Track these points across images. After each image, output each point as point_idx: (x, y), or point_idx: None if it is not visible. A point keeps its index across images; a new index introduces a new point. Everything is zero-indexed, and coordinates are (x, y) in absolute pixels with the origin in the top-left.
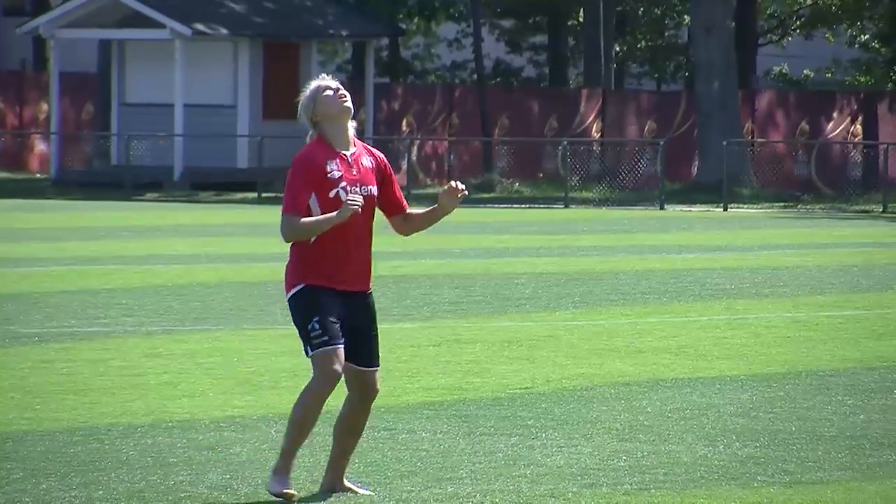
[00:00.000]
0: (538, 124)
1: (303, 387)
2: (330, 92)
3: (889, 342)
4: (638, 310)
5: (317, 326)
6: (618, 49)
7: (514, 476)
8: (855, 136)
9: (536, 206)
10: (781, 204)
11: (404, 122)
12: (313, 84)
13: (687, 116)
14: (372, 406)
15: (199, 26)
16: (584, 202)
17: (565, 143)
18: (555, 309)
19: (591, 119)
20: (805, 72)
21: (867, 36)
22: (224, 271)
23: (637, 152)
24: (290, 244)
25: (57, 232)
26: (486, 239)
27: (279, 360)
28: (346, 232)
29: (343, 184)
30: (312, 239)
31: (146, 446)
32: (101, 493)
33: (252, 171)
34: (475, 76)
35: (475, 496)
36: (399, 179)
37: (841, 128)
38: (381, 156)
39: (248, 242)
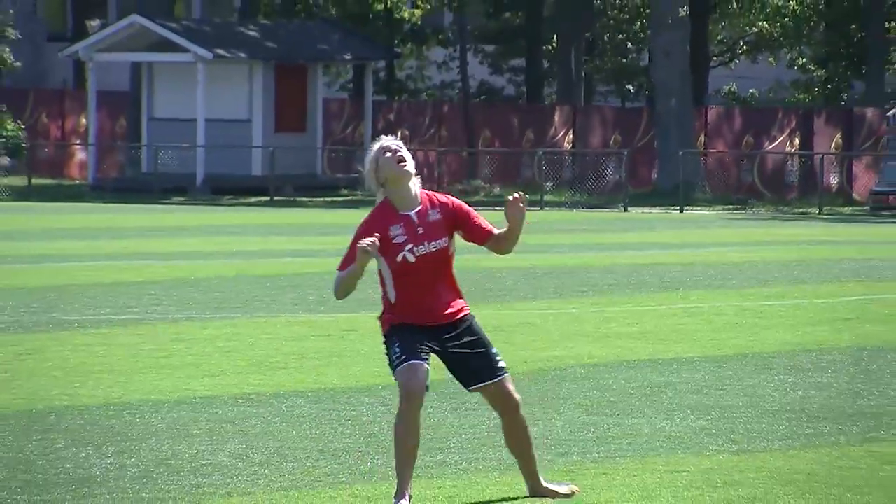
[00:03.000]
0: (517, 136)
1: (308, 367)
2: (389, 154)
3: (824, 328)
4: (604, 300)
5: (397, 350)
6: (587, 70)
7: (496, 446)
8: (794, 148)
9: None
10: (730, 207)
11: (399, 134)
12: (375, 146)
13: (647, 129)
14: (522, 413)
15: (219, 51)
16: (557, 205)
17: (540, 153)
18: (532, 299)
19: (563, 132)
20: (751, 91)
21: (805, 59)
22: (240, 266)
23: (604, 161)
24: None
25: (93, 231)
26: None
27: (289, 344)
28: (417, 284)
29: (409, 246)
30: (391, 299)
31: (172, 419)
32: (132, 460)
33: (265, 177)
34: (461, 94)
35: (461, 463)
36: None
37: (781, 140)
38: (450, 200)
39: (262, 241)
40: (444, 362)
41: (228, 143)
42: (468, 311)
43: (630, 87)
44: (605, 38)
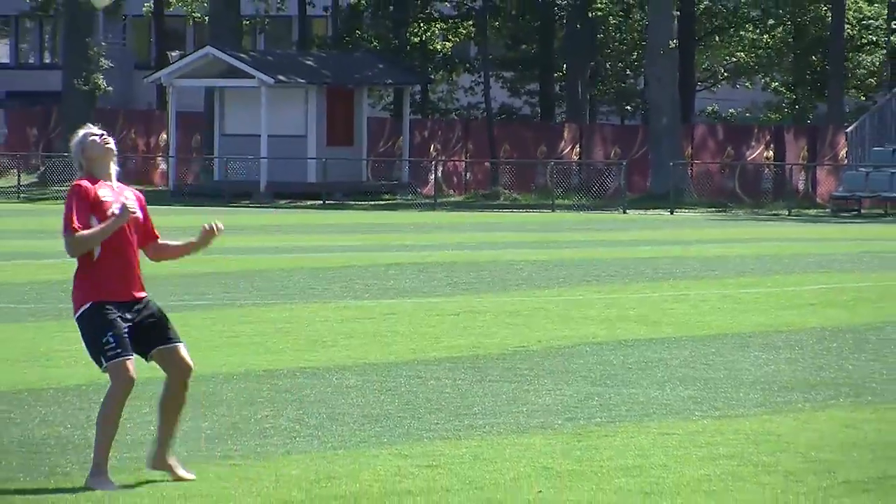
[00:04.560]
0: (532, 149)
1: (355, 345)
2: (95, 137)
3: (792, 312)
4: (606, 288)
5: (111, 340)
6: (591, 93)
7: (514, 412)
8: (768, 159)
9: (530, 211)
10: (714, 209)
11: (431, 148)
12: (81, 132)
13: (643, 143)
14: (189, 382)
15: (280, 77)
16: (566, 208)
17: (552, 163)
18: (545, 287)
19: (571, 146)
20: (730, 110)
21: (776, 84)
22: (297, 259)
23: (606, 170)
24: (77, 268)
25: (173, 230)
26: (494, 235)
27: (338, 325)
28: (122, 249)
29: (116, 204)
30: (95, 256)
31: (240, 389)
32: (206, 423)
33: (319, 184)
34: (485, 113)
35: (485, 427)
36: (427, 191)
37: (757, 152)
38: (139, 193)
39: (316, 237)
40: (134, 332)
41: (287, 155)
42: (145, 293)
43: (628, 108)
44: (607, 66)
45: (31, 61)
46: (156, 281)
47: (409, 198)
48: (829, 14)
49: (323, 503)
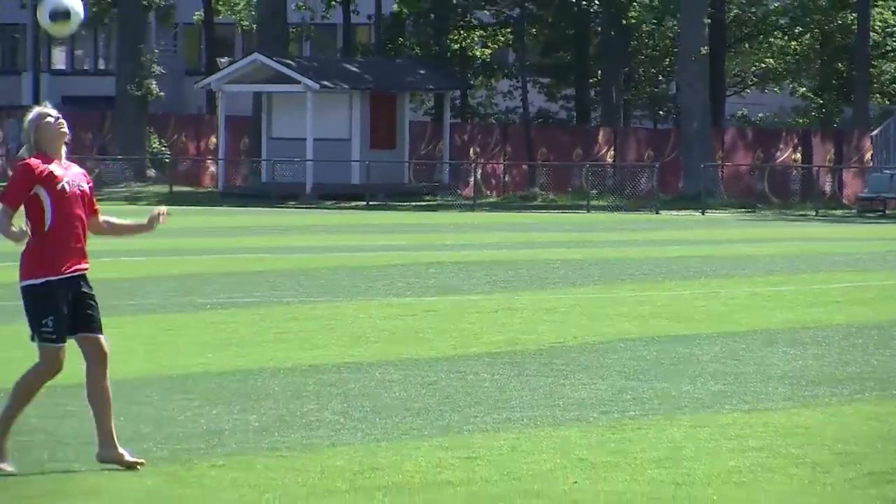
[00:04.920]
0: (568, 152)
1: (397, 341)
2: (50, 119)
3: (819, 309)
4: (639, 286)
5: (50, 325)
6: (625, 98)
7: (551, 406)
8: (795, 162)
9: (566, 211)
10: (743, 210)
11: (471, 151)
12: (34, 112)
13: (675, 146)
14: (107, 369)
15: (325, 82)
16: (601, 208)
17: (587, 165)
18: (581, 285)
19: (605, 148)
20: (759, 115)
21: (804, 90)
22: (342, 258)
23: (639, 172)
24: (30, 235)
25: (223, 230)
26: (531, 235)
27: (381, 322)
28: (72, 220)
29: (66, 178)
30: (48, 226)
31: (286, 383)
32: (254, 416)
33: (362, 186)
34: (522, 118)
35: (522, 419)
36: (467, 192)
37: (786, 155)
38: (84, 171)
39: (359, 237)
40: (71, 309)
41: (332, 157)
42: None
43: (661, 112)
44: (640, 71)
45: (86, 68)
46: (205, 279)
47: (450, 199)
48: (855, 22)
49: (367, 493)
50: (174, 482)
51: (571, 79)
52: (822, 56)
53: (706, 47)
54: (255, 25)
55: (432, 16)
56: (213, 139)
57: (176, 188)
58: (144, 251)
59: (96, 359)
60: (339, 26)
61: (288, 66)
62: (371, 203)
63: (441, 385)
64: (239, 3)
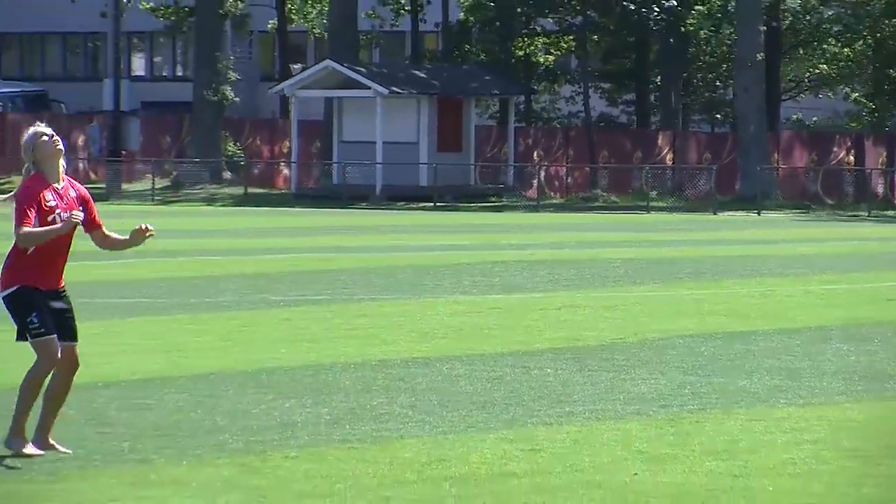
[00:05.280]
0: (628, 155)
1: (463, 337)
2: (46, 138)
3: (872, 307)
4: (697, 284)
5: (35, 320)
6: (684, 102)
7: (612, 399)
8: (848, 164)
9: (627, 212)
10: (798, 211)
11: (535, 154)
12: (31, 130)
13: (732, 149)
14: (73, 377)
15: (394, 88)
16: (660, 209)
17: (647, 168)
18: (640, 284)
19: (665, 151)
20: (814, 119)
21: (857, 94)
22: (410, 257)
23: (697, 174)
24: (11, 250)
25: (295, 230)
26: (593, 235)
27: (448, 319)
28: (57, 246)
29: (59, 211)
30: (31, 250)
31: (356, 378)
32: (326, 409)
33: (430, 187)
34: (584, 122)
35: (584, 413)
36: (531, 194)
37: (839, 158)
38: (82, 188)
39: (427, 237)
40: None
41: (401, 160)
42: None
43: (718, 116)
44: (698, 77)
45: (164, 74)
46: (278, 277)
47: (514, 200)
48: None
49: (434, 484)
50: (249, 473)
51: (631, 84)
52: (874, 62)
53: (762, 54)
54: (326, 33)
55: (497, 23)
56: (287, 143)
57: (250, 190)
58: (220, 251)
59: (69, 367)
60: (407, 34)
61: (358, 72)
62: (438, 204)
63: (506, 380)
64: (311, 12)
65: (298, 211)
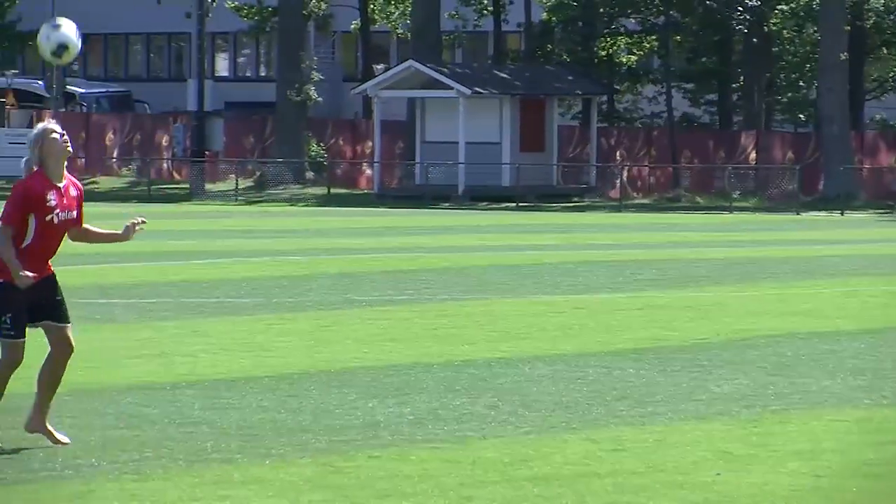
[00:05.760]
0: (711, 155)
1: (546, 337)
2: (56, 135)
3: None
4: (781, 284)
5: (7, 322)
6: (767, 102)
7: (694, 400)
8: None
9: (709, 212)
10: (882, 211)
11: (617, 154)
12: (40, 127)
13: (815, 149)
14: (68, 361)
15: (477, 88)
16: (743, 209)
17: (730, 167)
18: (723, 284)
19: (748, 151)
20: None
21: None
22: (493, 257)
23: (780, 174)
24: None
25: (378, 230)
26: (675, 235)
27: (530, 318)
28: (50, 238)
29: (57, 211)
30: (26, 242)
31: (439, 378)
32: (408, 409)
33: (512, 187)
34: (667, 122)
35: (667, 413)
36: (613, 194)
37: None
38: (80, 186)
39: (510, 237)
40: (35, 303)
41: (483, 160)
42: (53, 271)
43: (801, 116)
44: (781, 77)
45: (247, 74)
46: (361, 277)
47: (597, 200)
48: None
49: (517, 485)
50: (332, 472)
51: (714, 84)
52: None
53: (845, 53)
54: (409, 34)
55: (580, 23)
56: (369, 143)
57: (333, 190)
58: (304, 251)
59: (62, 350)
60: (490, 34)
61: (441, 72)
62: (520, 204)
63: (588, 380)
64: (394, 12)
65: (381, 211)
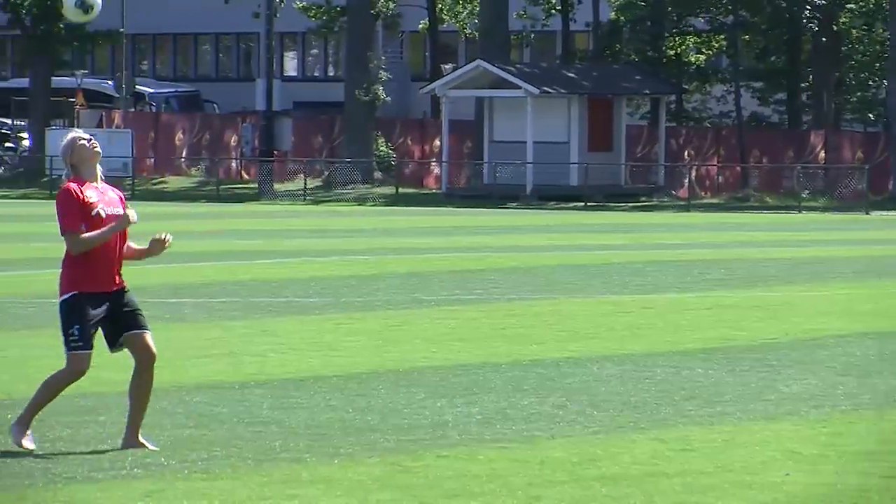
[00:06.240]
0: (780, 154)
1: (615, 337)
2: (84, 141)
3: None
4: (850, 284)
5: (76, 333)
6: (836, 102)
7: (764, 400)
8: None
9: (778, 212)
10: None
11: (686, 154)
12: (70, 136)
13: (885, 149)
14: (154, 369)
15: (545, 88)
16: (812, 209)
17: (798, 167)
18: (792, 283)
19: (817, 150)
20: None
21: None
22: (561, 257)
23: (849, 174)
24: (66, 257)
25: (446, 229)
26: (744, 235)
27: (599, 318)
28: (110, 246)
29: (101, 205)
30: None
31: (507, 377)
32: (476, 409)
33: (580, 187)
34: (736, 121)
35: (735, 413)
36: (682, 193)
37: None
38: (120, 193)
39: (578, 237)
40: (109, 319)
41: (551, 160)
42: (125, 284)
43: (871, 116)
44: (850, 76)
45: (316, 74)
46: (429, 276)
47: (665, 200)
48: None
49: (585, 484)
50: (401, 471)
51: (783, 83)
52: None
53: None
54: (477, 33)
55: (648, 23)
56: (437, 142)
57: (401, 190)
58: (372, 250)
59: (145, 358)
60: (558, 33)
61: (509, 72)
62: (589, 204)
63: (657, 379)
64: (462, 12)
65: (449, 211)
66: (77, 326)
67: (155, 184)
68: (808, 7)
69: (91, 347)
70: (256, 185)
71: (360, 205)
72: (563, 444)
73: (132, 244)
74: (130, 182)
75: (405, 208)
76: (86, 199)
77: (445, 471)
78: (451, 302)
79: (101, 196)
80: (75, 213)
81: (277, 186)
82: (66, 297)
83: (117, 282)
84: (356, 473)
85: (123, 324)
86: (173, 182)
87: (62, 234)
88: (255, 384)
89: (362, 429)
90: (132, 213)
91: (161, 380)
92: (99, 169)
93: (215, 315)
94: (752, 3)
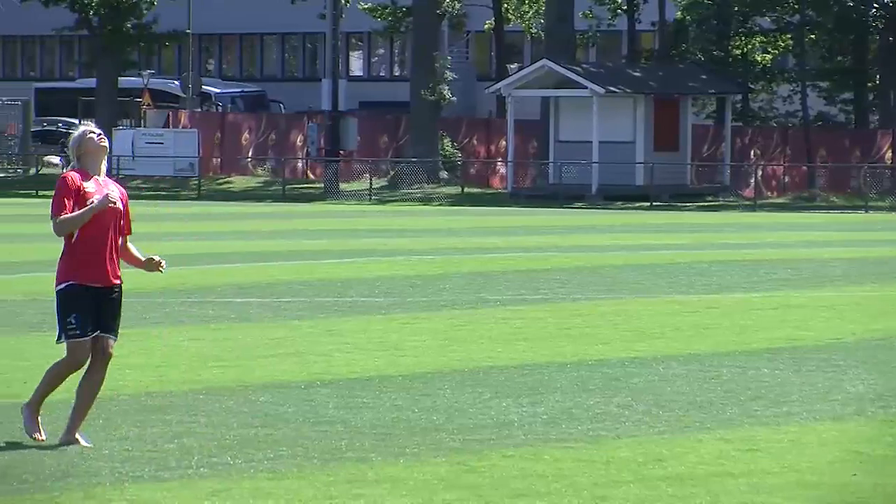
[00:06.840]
0: (847, 154)
1: (680, 336)
2: (92, 135)
3: None
4: None
5: (73, 321)
6: None
7: (830, 400)
8: None
9: (845, 211)
10: None
11: (752, 153)
12: (80, 129)
13: None
14: (106, 371)
15: (610, 87)
16: (879, 209)
17: (866, 167)
18: (858, 283)
19: (884, 150)
20: None
21: None
22: (627, 256)
23: None
24: (63, 248)
25: (512, 229)
26: (810, 234)
27: (664, 318)
28: (98, 238)
29: (98, 196)
30: (73, 239)
31: (573, 377)
32: (542, 409)
33: (646, 187)
34: (802, 121)
35: (802, 413)
36: (748, 193)
37: None
38: (124, 190)
39: (644, 237)
40: (95, 314)
41: (617, 159)
42: (121, 282)
43: None
44: None
45: (381, 74)
46: (494, 276)
47: (731, 199)
48: None
49: (651, 484)
50: (466, 471)
51: (850, 83)
52: None
53: None
54: (543, 33)
55: (714, 22)
56: (503, 142)
57: (467, 189)
58: (437, 250)
59: (101, 358)
60: (623, 33)
61: (575, 71)
62: (654, 203)
63: (723, 379)
64: (528, 12)
65: (514, 210)
66: (75, 314)
67: (221, 184)
68: (876, 6)
69: (88, 335)
70: (322, 185)
71: (425, 205)
72: (629, 443)
73: (134, 251)
74: (197, 182)
75: (470, 208)
76: (82, 188)
77: (511, 471)
78: (517, 302)
79: (100, 189)
80: (63, 200)
81: (343, 186)
82: (62, 286)
83: (112, 279)
84: (422, 473)
85: (103, 324)
86: (239, 182)
87: (53, 216)
88: (320, 384)
89: (427, 428)
90: (112, 194)
91: (227, 379)
92: (104, 165)
93: (281, 315)
94: (819, 2)
